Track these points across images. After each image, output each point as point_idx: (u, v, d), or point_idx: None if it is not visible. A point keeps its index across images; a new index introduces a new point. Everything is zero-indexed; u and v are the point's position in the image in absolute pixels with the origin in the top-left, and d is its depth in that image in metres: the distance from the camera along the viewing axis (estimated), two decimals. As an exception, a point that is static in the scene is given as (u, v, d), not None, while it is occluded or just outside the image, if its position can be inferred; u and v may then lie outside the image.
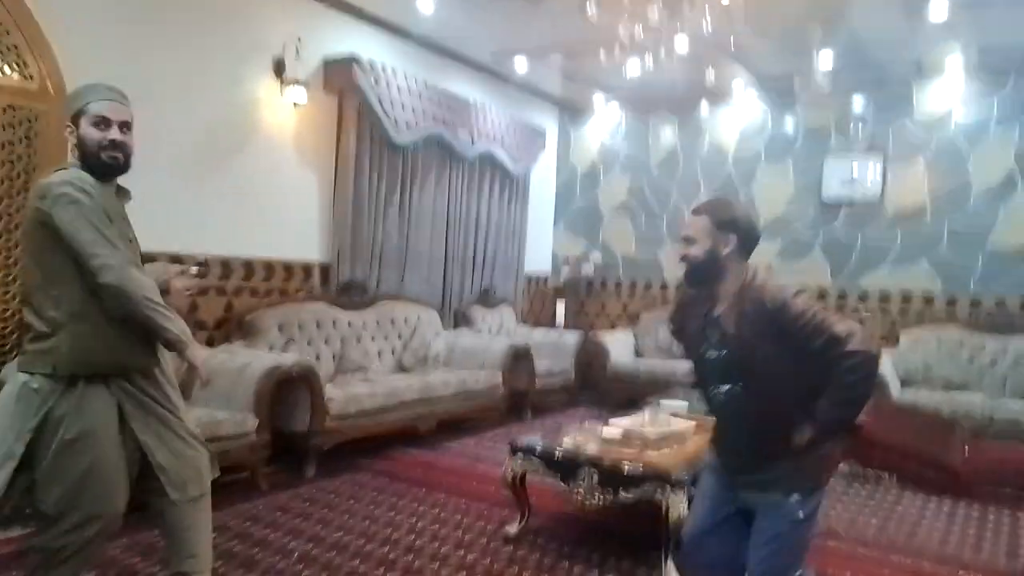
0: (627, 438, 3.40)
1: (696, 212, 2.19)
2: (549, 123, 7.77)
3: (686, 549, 2.30)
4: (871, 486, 4.41)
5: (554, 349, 6.66)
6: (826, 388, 1.96)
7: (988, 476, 4.23)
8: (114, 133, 2.15)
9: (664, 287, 7.39)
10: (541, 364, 6.23)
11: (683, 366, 6.54)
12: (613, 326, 7.47)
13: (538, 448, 3.29)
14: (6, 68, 3.56)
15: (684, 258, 2.15)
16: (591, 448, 3.24)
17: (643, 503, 2.98)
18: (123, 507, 2.17)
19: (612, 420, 3.63)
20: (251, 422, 3.80)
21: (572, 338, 6.80)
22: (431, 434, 5.05)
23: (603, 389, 6.62)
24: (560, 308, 7.49)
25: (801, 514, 2.05)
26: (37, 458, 2.06)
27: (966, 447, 4.33)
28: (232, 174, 4.66)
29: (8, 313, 3.55)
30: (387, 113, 5.41)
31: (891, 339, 5.98)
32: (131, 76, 4.01)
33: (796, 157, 6.69)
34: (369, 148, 5.44)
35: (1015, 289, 5.76)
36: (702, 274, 2.14)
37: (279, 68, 4.89)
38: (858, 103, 6.42)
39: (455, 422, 5.36)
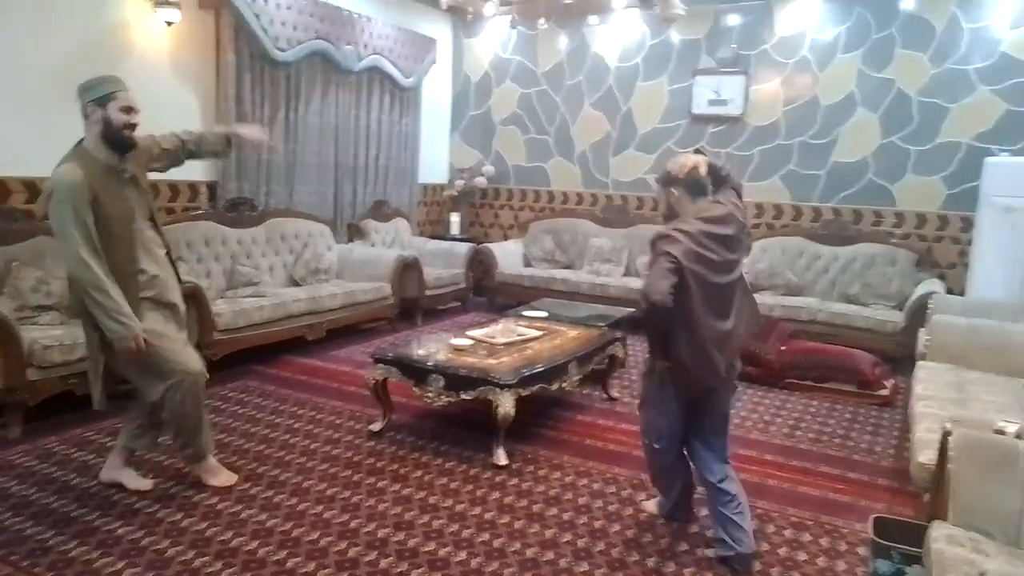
0: (477, 346, 3.90)
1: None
2: (443, 32, 7.84)
3: None
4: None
5: (447, 258, 7.05)
6: None
7: (796, 368, 4.92)
8: (135, 118, 2.76)
9: (552, 198, 7.80)
10: (433, 273, 6.63)
11: (561, 275, 7.06)
12: (506, 236, 7.91)
13: (393, 357, 3.75)
14: None
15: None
16: (440, 356, 3.71)
17: (480, 401, 3.50)
18: None
19: (469, 332, 4.12)
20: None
21: (463, 248, 7.16)
22: (321, 342, 5.46)
23: (492, 295, 7.14)
24: (454, 219, 7.83)
25: None
26: None
27: (781, 345, 5.03)
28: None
29: None
30: (265, 30, 5.46)
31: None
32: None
33: (670, 74, 7.05)
34: (249, 65, 5.52)
35: (850, 201, 6.43)
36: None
37: (148, -15, 4.88)
38: (725, 23, 6.76)
39: (347, 330, 5.77)
